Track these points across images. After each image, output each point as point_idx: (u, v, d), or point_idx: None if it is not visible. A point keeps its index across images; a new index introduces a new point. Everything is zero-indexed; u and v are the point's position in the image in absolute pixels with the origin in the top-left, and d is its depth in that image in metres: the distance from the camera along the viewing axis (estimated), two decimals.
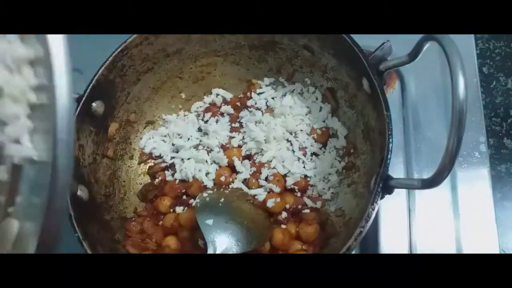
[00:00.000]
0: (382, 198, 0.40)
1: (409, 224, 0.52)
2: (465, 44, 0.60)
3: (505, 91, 0.66)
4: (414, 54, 0.39)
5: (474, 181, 0.54)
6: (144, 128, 0.57)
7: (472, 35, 0.62)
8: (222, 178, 0.52)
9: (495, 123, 0.64)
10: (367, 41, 0.54)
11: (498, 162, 0.62)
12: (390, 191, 0.40)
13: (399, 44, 0.46)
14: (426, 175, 0.54)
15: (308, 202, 0.50)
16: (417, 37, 0.39)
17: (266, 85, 0.57)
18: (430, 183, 0.36)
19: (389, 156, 0.40)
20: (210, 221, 0.46)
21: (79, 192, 0.45)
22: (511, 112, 0.65)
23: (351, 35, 0.46)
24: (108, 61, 0.48)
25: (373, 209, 0.39)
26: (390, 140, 0.40)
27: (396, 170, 0.54)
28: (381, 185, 0.39)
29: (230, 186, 0.52)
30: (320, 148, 0.53)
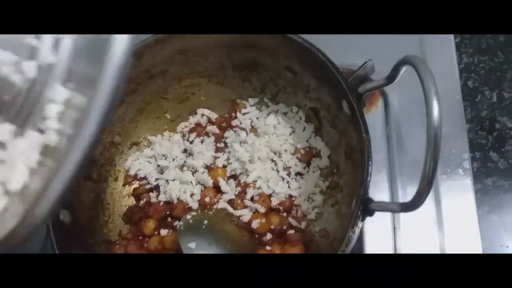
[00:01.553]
0: (363, 220, 0.40)
1: (394, 241, 0.52)
2: (448, 61, 0.61)
3: (490, 104, 0.67)
4: (391, 77, 0.40)
5: (459, 197, 0.54)
6: (129, 149, 0.57)
7: (454, 51, 0.63)
8: (207, 199, 0.52)
9: (481, 137, 0.65)
10: (349, 60, 0.55)
11: (484, 175, 0.62)
12: (371, 214, 0.40)
13: (381, 62, 0.47)
14: (409, 193, 0.55)
15: (293, 222, 0.50)
16: (399, 56, 0.40)
17: (251, 105, 0.57)
18: (409, 206, 0.36)
19: (368, 179, 0.40)
20: (192, 244, 0.46)
21: (61, 216, 0.45)
22: (496, 126, 0.65)
23: (334, 55, 0.46)
24: None
25: (353, 233, 0.39)
26: (370, 163, 0.40)
27: (380, 188, 0.54)
28: (361, 208, 0.39)
29: (215, 206, 0.52)
30: (304, 168, 0.53)
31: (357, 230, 0.39)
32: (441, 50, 0.62)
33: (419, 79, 0.33)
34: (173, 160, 0.55)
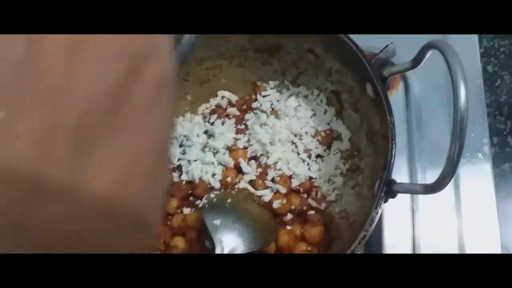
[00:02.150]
0: (385, 202, 0.41)
1: (413, 224, 0.53)
2: (468, 45, 0.61)
3: (510, 89, 0.67)
4: (417, 61, 0.40)
5: (477, 182, 0.54)
6: None
7: (476, 35, 0.62)
8: (229, 179, 0.53)
9: (499, 122, 0.65)
10: (371, 43, 0.55)
11: (502, 160, 0.62)
12: (393, 196, 0.41)
13: (403, 45, 0.47)
14: (429, 176, 0.55)
15: (313, 203, 0.51)
16: (420, 40, 0.40)
17: (271, 88, 0.57)
18: (432, 188, 0.37)
19: (392, 161, 0.40)
20: (217, 221, 0.47)
21: None
22: None
23: (354, 38, 0.47)
24: None
25: (376, 213, 0.40)
26: (394, 145, 0.41)
27: (399, 171, 0.54)
28: (384, 189, 0.40)
29: (236, 186, 0.53)
30: (325, 150, 0.53)
31: (380, 211, 0.40)
32: (462, 35, 0.62)
33: (446, 63, 0.34)
34: (195, 141, 0.56)
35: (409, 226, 0.53)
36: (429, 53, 0.38)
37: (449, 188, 0.54)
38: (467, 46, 0.61)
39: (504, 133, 0.64)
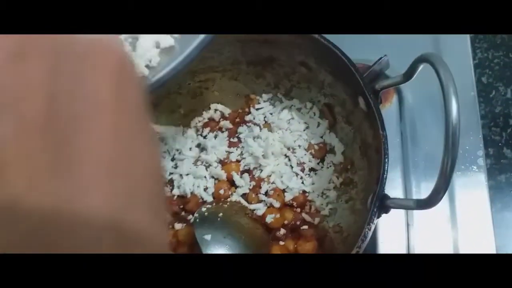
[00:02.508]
0: (378, 217, 0.40)
1: (408, 238, 0.52)
2: (462, 57, 0.61)
3: (505, 100, 0.66)
4: (408, 75, 0.40)
5: (473, 195, 0.54)
6: None
7: (469, 46, 0.62)
8: (221, 191, 0.52)
9: (494, 133, 0.64)
10: (365, 55, 0.55)
11: (498, 172, 0.62)
12: (386, 211, 0.40)
13: (397, 57, 0.47)
14: (424, 190, 0.55)
15: (307, 217, 0.50)
16: (414, 51, 0.40)
17: (264, 101, 0.57)
18: (425, 204, 0.36)
19: (385, 176, 0.40)
20: (208, 236, 0.47)
21: None
22: (510, 122, 0.65)
23: (348, 50, 0.46)
24: None
25: (369, 229, 0.39)
26: (386, 160, 0.40)
27: (394, 185, 0.54)
28: (377, 204, 0.39)
29: (229, 199, 0.52)
30: (318, 164, 0.53)
31: (373, 227, 0.39)
32: (455, 46, 0.62)
33: (438, 77, 0.33)
34: (187, 154, 0.56)
35: (404, 240, 0.52)
36: (421, 67, 0.38)
37: (444, 201, 0.53)
38: (460, 58, 0.61)
39: (500, 144, 0.64)
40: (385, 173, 0.40)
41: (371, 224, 0.39)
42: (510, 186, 0.61)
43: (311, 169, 0.53)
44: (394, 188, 0.54)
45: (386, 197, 0.40)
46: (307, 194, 0.51)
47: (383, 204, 0.39)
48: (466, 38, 0.62)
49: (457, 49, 0.61)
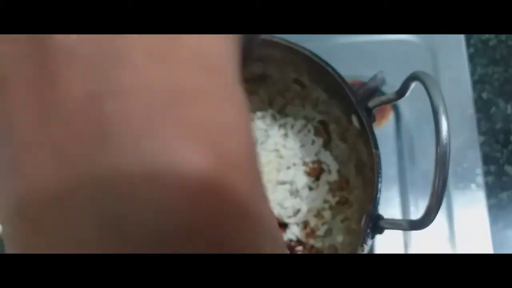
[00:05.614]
0: (372, 238, 0.39)
1: None
2: (460, 74, 0.60)
3: (505, 117, 0.65)
4: (401, 92, 0.39)
5: (472, 213, 0.53)
6: None
7: (467, 62, 0.62)
8: None
9: (495, 150, 0.63)
10: (360, 71, 0.55)
11: (500, 189, 0.60)
12: (380, 232, 0.39)
13: (393, 74, 0.46)
14: (422, 209, 0.53)
15: (302, 238, 0.49)
16: (408, 67, 0.39)
17: (259, 118, 0.56)
18: (418, 225, 0.35)
19: (378, 196, 0.39)
20: None
21: None
22: (511, 138, 0.64)
23: (342, 67, 0.46)
24: None
25: (362, 251, 0.38)
26: (380, 179, 0.39)
27: (391, 203, 0.53)
28: (370, 225, 0.38)
29: None
30: (313, 182, 0.52)
31: (367, 248, 0.38)
32: (453, 62, 0.61)
33: (428, 96, 0.33)
34: None
35: None
36: (413, 85, 0.37)
37: (443, 221, 0.52)
38: (458, 75, 0.60)
39: (501, 161, 0.62)
40: (378, 193, 0.39)
41: (364, 245, 0.38)
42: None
43: (307, 188, 0.52)
44: (391, 207, 0.53)
45: (380, 217, 0.39)
46: (302, 214, 0.50)
47: (377, 225, 0.38)
48: (463, 54, 0.62)
49: (455, 65, 0.61)
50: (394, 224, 0.39)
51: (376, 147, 0.40)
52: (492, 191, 0.57)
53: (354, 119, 0.44)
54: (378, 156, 0.40)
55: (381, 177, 0.39)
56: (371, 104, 0.42)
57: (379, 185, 0.39)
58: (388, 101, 0.41)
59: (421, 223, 0.35)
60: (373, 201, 0.39)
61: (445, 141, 0.31)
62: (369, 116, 0.42)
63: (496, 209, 0.57)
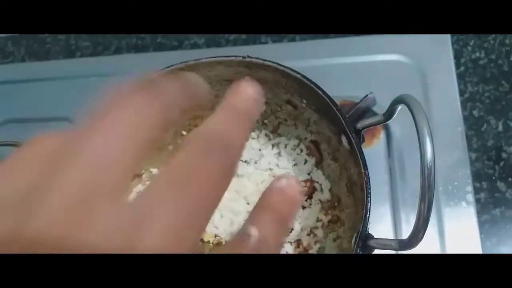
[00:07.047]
0: None
1: None
2: (449, 92, 0.61)
3: (496, 134, 0.66)
4: (388, 114, 0.40)
5: (463, 231, 0.53)
6: (131, 181, 0.57)
7: (456, 82, 0.63)
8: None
9: (487, 167, 0.64)
10: (351, 92, 0.56)
11: (492, 206, 0.61)
12: (370, 251, 0.40)
13: (384, 94, 0.47)
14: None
15: None
16: (401, 90, 0.40)
17: (252, 138, 0.57)
18: (406, 245, 0.36)
19: (368, 215, 0.40)
20: None
21: None
22: (503, 155, 0.65)
23: (335, 90, 0.47)
24: None
25: None
26: (369, 199, 0.40)
27: (383, 221, 0.53)
28: (360, 245, 0.39)
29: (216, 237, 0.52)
30: (306, 201, 0.53)
31: None
32: (443, 82, 0.62)
33: (413, 118, 0.34)
34: None
35: None
36: (399, 107, 0.38)
37: (434, 239, 0.53)
38: (447, 94, 0.61)
39: (493, 177, 0.63)
40: (368, 212, 0.40)
41: None
42: (505, 220, 0.60)
43: (300, 206, 0.53)
44: (383, 224, 0.53)
45: (370, 236, 0.40)
46: (295, 233, 0.51)
47: (366, 244, 0.39)
48: (453, 74, 0.63)
49: (444, 84, 0.62)
50: (384, 244, 0.39)
51: (365, 167, 0.41)
52: (485, 207, 0.58)
53: (344, 139, 0.45)
54: (367, 176, 0.41)
55: (370, 196, 0.40)
56: (360, 125, 0.43)
57: (369, 204, 0.40)
58: (377, 123, 0.42)
59: (409, 244, 0.35)
60: (363, 220, 0.40)
61: (429, 163, 0.31)
62: (358, 137, 0.43)
63: (489, 225, 0.58)
